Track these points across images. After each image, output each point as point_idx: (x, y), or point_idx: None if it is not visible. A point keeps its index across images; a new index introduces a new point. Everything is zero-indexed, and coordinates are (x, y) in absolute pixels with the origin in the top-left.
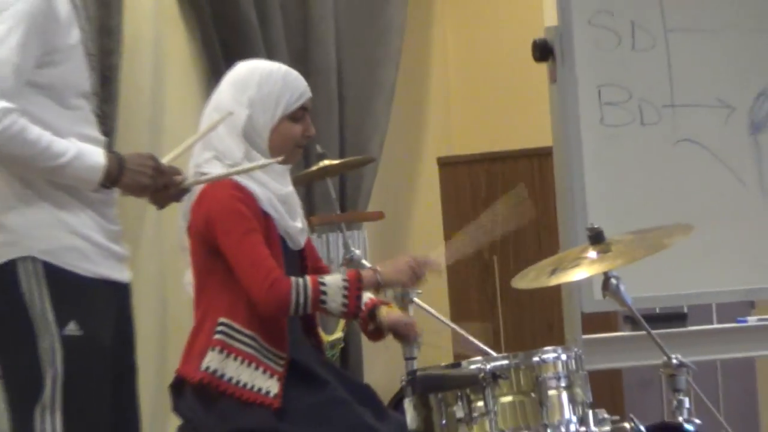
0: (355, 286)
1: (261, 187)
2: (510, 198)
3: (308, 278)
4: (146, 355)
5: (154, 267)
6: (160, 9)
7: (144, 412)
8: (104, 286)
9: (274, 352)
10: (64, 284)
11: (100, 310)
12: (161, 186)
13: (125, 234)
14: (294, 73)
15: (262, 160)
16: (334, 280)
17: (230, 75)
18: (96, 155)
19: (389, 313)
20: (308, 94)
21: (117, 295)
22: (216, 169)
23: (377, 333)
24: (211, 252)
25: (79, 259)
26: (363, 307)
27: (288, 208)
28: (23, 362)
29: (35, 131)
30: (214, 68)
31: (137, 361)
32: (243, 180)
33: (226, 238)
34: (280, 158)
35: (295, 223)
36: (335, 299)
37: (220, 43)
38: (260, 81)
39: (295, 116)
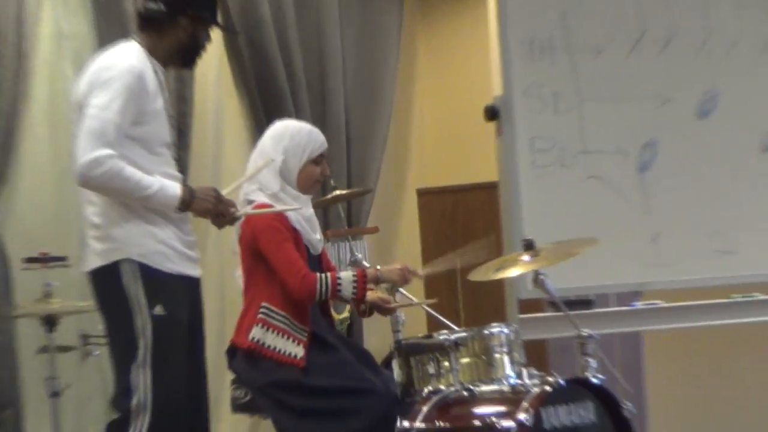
0: (362, 281)
1: (293, 211)
2: (477, 244)
3: (329, 274)
4: (209, 329)
5: (216, 266)
6: (220, 83)
7: (208, 369)
8: (181, 280)
9: (300, 327)
10: (153, 278)
11: (179, 297)
12: (220, 212)
13: (198, 251)
14: (316, 130)
15: (293, 206)
16: (346, 276)
17: (270, 130)
18: (174, 188)
19: (370, 294)
20: (326, 145)
21: (191, 286)
22: (259, 197)
23: (365, 312)
24: (255, 256)
25: (164, 261)
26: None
27: (310, 225)
28: (124, 334)
29: (130, 170)
30: (258, 126)
31: (205, 333)
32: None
33: (267, 245)
34: (301, 207)
35: (315, 236)
36: (347, 289)
37: (262, 107)
38: (292, 135)
39: (316, 161)
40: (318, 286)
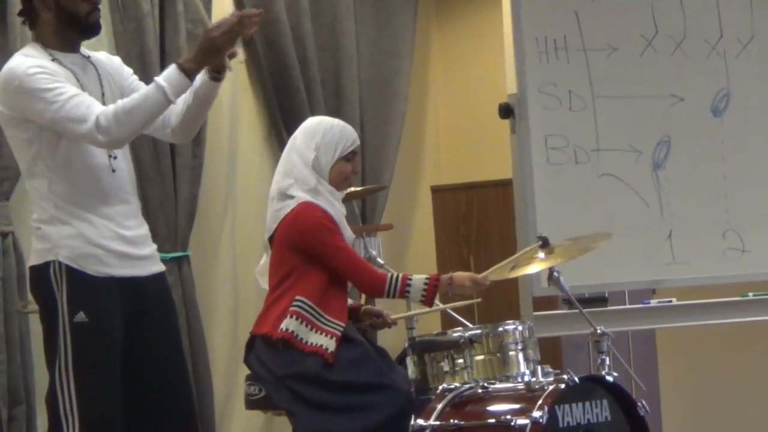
0: (433, 286)
1: (332, 208)
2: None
3: (400, 275)
4: (222, 322)
5: (229, 262)
6: (235, 78)
7: (219, 362)
8: (117, 284)
9: (334, 321)
10: (79, 283)
11: (109, 302)
12: (215, 33)
13: (211, 245)
14: (349, 127)
15: (332, 201)
16: (418, 279)
17: (303, 125)
18: (169, 68)
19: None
20: (358, 142)
21: (133, 287)
22: (298, 193)
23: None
24: (298, 253)
25: (95, 264)
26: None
27: (342, 221)
28: (52, 336)
29: (122, 102)
30: (272, 121)
31: (178, 327)
32: (324, 205)
33: (323, 246)
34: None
35: (348, 232)
36: (417, 293)
37: (277, 104)
38: (325, 131)
39: (348, 158)
40: (387, 285)
